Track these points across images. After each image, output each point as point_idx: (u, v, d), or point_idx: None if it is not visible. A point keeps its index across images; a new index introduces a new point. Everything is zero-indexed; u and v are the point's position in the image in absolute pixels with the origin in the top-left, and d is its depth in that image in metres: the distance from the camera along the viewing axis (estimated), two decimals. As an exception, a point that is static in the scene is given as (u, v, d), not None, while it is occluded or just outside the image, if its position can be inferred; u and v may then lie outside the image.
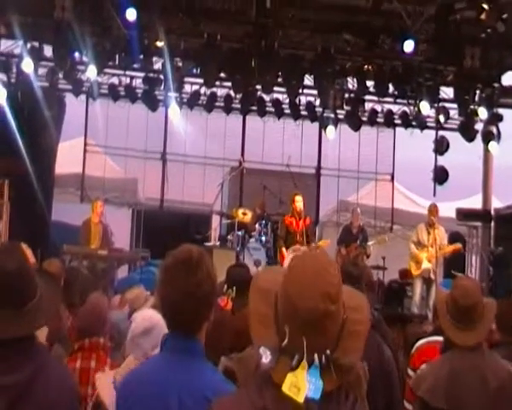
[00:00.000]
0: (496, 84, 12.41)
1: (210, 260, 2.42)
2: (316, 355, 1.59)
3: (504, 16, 10.13)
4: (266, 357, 1.60)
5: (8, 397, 2.11)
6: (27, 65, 11.40)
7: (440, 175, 13.86)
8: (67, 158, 13.91)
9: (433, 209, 10.81)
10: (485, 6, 9.83)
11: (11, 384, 2.13)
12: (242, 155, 14.12)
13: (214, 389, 2.15)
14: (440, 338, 4.20)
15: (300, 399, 1.56)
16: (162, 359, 2.41)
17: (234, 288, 4.47)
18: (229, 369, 2.90)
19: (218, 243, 11.94)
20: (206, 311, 2.38)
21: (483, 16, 9.93)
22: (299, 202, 10.80)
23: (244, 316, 3.29)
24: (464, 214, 13.88)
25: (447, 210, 13.56)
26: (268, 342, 1.63)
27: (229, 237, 11.65)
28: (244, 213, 11.83)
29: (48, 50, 11.42)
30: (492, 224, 14.03)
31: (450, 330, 3.24)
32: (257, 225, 11.41)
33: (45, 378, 2.21)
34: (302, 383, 1.57)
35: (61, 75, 12.56)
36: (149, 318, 3.30)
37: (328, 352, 1.60)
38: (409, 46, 10.69)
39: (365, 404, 2.90)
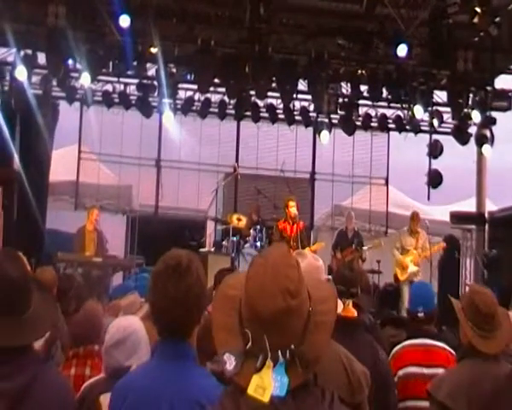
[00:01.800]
0: (489, 88, 12.45)
1: (200, 264, 2.41)
2: (279, 352, 1.56)
3: (497, 20, 10.21)
4: (230, 363, 1.57)
5: (7, 402, 2.13)
6: (21, 72, 11.38)
7: (434, 179, 13.89)
8: (61, 165, 13.90)
9: (415, 217, 11.03)
10: (478, 10, 9.90)
11: (11, 390, 2.15)
12: (237, 160, 14.14)
13: (207, 395, 2.12)
14: (418, 341, 4.29)
15: (266, 399, 1.53)
16: (154, 365, 2.40)
17: None
18: (213, 372, 2.90)
19: (213, 249, 11.90)
20: (196, 315, 2.37)
21: (476, 20, 10.00)
22: (292, 206, 10.82)
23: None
24: (458, 217, 13.89)
25: (441, 213, 13.63)
26: (233, 347, 1.60)
27: (224, 242, 11.63)
28: (239, 219, 11.81)
29: (41, 58, 11.40)
30: (486, 227, 14.06)
31: (474, 339, 3.23)
32: (252, 231, 11.40)
33: (42, 386, 2.24)
34: (268, 383, 1.54)
35: (54, 83, 12.55)
36: (123, 328, 3.22)
37: (292, 347, 1.57)
38: (402, 50, 10.77)
39: (365, 408, 2.86)
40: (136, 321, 3.34)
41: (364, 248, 11.58)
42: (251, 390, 1.54)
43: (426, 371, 4.14)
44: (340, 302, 3.66)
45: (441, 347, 4.29)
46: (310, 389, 1.62)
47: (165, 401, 2.25)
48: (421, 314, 4.36)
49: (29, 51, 11.50)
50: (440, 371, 3.89)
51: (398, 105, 13.46)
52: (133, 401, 2.30)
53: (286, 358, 1.56)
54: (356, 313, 3.78)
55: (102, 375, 3.32)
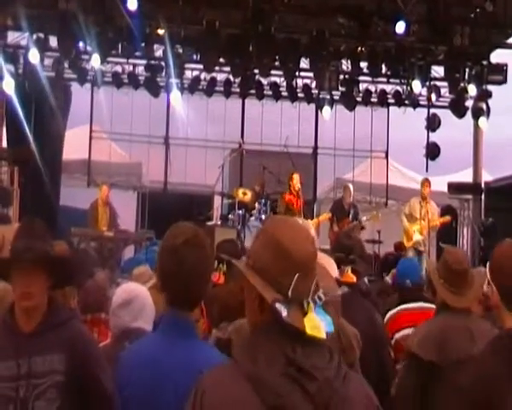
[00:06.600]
0: (484, 62, 12.70)
1: (206, 238, 2.49)
2: (317, 294, 1.71)
3: (492, -4, 10.43)
4: (284, 312, 1.66)
5: None
6: (34, 56, 11.62)
7: (432, 151, 14.17)
8: (74, 144, 14.20)
9: (425, 183, 11.04)
10: (474, -14, 10.12)
11: None
12: (242, 137, 14.30)
13: (210, 365, 2.13)
14: (412, 305, 4.42)
15: (323, 335, 1.67)
16: (159, 334, 2.48)
17: (224, 263, 4.46)
18: (220, 340, 3.00)
19: (219, 222, 11.96)
20: (202, 286, 2.45)
21: (472, -4, 10.23)
22: (296, 180, 11.08)
23: (231, 290, 3.40)
24: (456, 188, 14.17)
25: (439, 184, 13.84)
26: (275, 298, 1.68)
27: (230, 216, 11.75)
28: (244, 193, 11.88)
29: (53, 41, 11.66)
30: (483, 196, 14.33)
31: (444, 294, 3.43)
32: (256, 204, 11.55)
33: None
34: (318, 323, 1.67)
35: (66, 65, 12.83)
36: (129, 290, 3.30)
37: (321, 290, 1.72)
38: (401, 27, 10.91)
39: (357, 368, 2.96)
40: (142, 287, 3.45)
41: (363, 219, 11.70)
42: (309, 331, 1.66)
43: None
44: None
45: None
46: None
47: (168, 371, 2.32)
48: (408, 283, 4.54)
49: (41, 35, 11.77)
50: None
51: (397, 80, 13.65)
52: (139, 370, 2.37)
53: (322, 300, 1.71)
54: (355, 279, 3.94)
55: (109, 340, 3.46)
